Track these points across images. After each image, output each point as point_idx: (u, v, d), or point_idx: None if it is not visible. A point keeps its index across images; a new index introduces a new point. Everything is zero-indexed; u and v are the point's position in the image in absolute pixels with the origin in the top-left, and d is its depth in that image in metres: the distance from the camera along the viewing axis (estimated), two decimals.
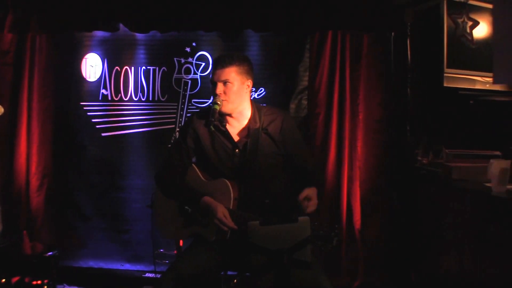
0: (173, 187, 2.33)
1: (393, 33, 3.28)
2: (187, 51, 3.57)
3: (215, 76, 2.24)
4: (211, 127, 2.21)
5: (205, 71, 3.56)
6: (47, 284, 3.12)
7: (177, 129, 3.59)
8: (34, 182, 3.60)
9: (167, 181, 2.35)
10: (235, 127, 2.32)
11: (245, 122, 2.32)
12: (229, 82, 2.22)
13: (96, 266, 3.57)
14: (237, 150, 2.27)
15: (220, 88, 2.22)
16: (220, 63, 2.24)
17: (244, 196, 2.22)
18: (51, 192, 3.64)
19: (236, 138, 2.30)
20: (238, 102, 2.26)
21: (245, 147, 2.26)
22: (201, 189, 2.26)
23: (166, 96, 3.61)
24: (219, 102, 2.21)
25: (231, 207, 2.18)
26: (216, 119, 2.20)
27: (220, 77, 2.22)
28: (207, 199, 2.20)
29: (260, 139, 2.26)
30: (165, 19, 3.43)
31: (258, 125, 2.28)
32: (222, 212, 2.14)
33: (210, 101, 3.49)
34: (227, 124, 2.31)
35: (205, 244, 2.22)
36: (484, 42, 3.22)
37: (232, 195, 2.18)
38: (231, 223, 2.12)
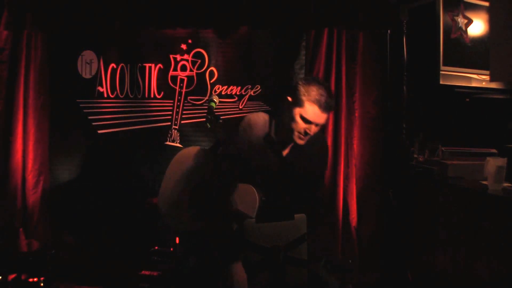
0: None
1: (389, 31, 3.28)
2: (183, 48, 3.55)
3: (313, 115, 2.08)
4: (207, 124, 2.19)
5: (201, 68, 3.55)
6: (43, 282, 3.13)
7: (174, 126, 3.58)
8: (30, 179, 3.60)
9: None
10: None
11: None
12: (321, 125, 2.15)
13: (91, 263, 3.56)
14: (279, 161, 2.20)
15: (313, 129, 2.12)
16: (323, 105, 2.08)
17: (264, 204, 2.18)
18: (47, 190, 3.65)
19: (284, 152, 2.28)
20: None
21: (286, 159, 2.22)
22: None
23: (162, 93, 3.59)
24: (215, 100, 2.21)
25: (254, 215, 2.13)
26: (213, 115, 2.19)
27: (319, 120, 2.11)
28: None
29: (301, 155, 2.24)
30: (161, 16, 3.42)
31: (303, 142, 2.21)
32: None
33: (206, 98, 3.51)
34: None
35: (204, 242, 2.22)
36: (480, 40, 3.22)
37: (257, 203, 2.13)
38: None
